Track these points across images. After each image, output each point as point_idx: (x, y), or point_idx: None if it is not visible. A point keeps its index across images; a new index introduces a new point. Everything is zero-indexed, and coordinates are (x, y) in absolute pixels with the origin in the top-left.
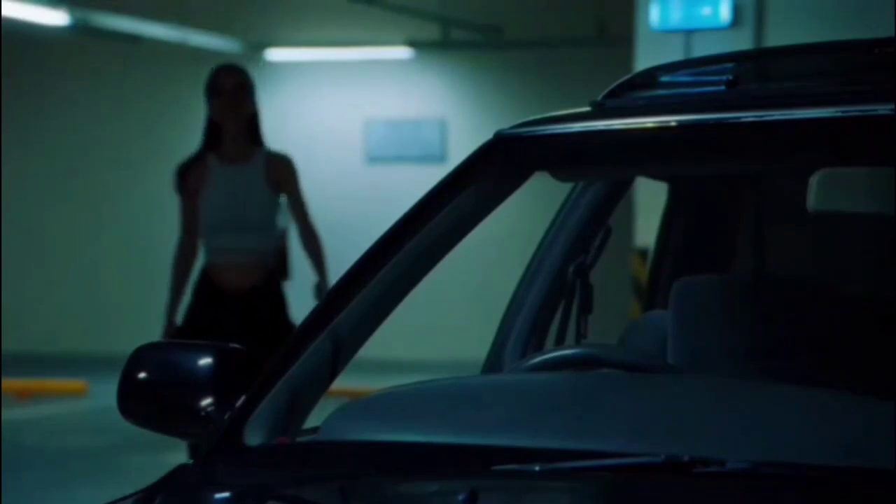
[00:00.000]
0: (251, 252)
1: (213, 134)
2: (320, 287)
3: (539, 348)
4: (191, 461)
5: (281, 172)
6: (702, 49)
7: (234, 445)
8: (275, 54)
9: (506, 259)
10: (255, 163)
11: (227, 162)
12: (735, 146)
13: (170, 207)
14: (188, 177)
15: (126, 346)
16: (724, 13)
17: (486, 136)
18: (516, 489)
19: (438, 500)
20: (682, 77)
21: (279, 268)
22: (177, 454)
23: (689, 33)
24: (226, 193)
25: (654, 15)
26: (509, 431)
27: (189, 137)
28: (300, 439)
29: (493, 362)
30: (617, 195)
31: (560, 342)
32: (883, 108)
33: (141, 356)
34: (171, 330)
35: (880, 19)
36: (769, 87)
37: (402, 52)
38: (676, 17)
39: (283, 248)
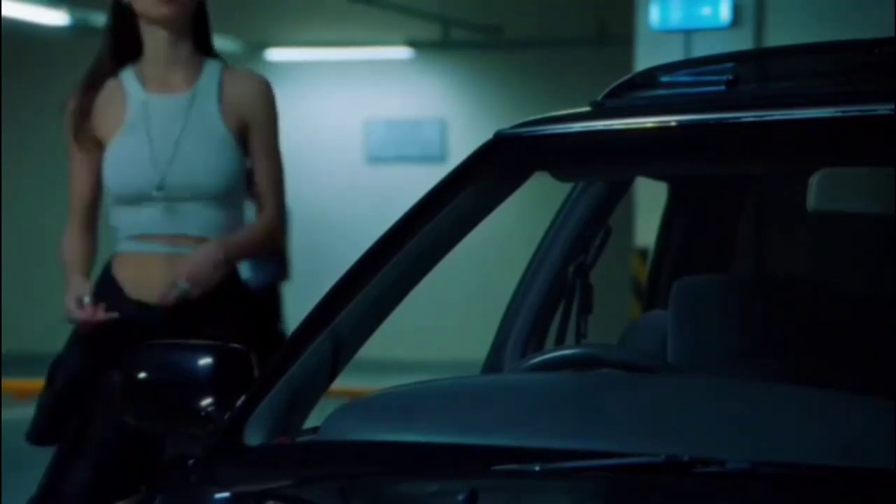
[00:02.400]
0: (196, 241)
1: (126, 37)
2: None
3: (539, 348)
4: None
5: (247, 104)
6: (702, 49)
7: (234, 445)
8: (275, 54)
9: (506, 259)
10: (205, 88)
11: (157, 88)
12: (735, 146)
13: None
14: (91, 109)
15: None
16: (724, 13)
17: (486, 136)
18: (516, 489)
19: (438, 500)
20: (682, 77)
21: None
22: None
23: (689, 33)
24: (152, 140)
25: (654, 15)
26: (509, 431)
27: None
28: (300, 439)
29: (493, 362)
30: (617, 195)
31: (560, 342)
32: (883, 108)
33: (141, 356)
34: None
35: (880, 19)
36: (769, 87)
37: (402, 52)
38: (676, 17)
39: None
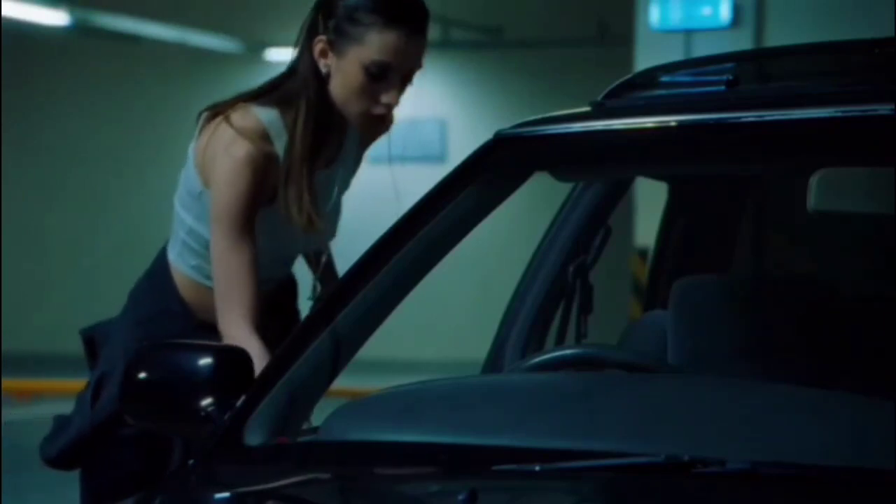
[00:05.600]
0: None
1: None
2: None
3: (539, 348)
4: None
5: None
6: (702, 49)
7: (234, 445)
8: (275, 54)
9: (506, 259)
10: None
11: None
12: (735, 146)
13: (169, 206)
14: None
15: None
16: (724, 13)
17: (486, 136)
18: (516, 489)
19: (438, 500)
20: (682, 77)
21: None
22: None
23: (689, 33)
24: None
25: (654, 15)
26: (509, 431)
27: (188, 137)
28: (300, 439)
29: (493, 362)
30: (617, 195)
31: (560, 342)
32: (883, 108)
33: (141, 356)
34: None
35: (881, 19)
36: (769, 87)
37: None
38: (676, 17)
39: None
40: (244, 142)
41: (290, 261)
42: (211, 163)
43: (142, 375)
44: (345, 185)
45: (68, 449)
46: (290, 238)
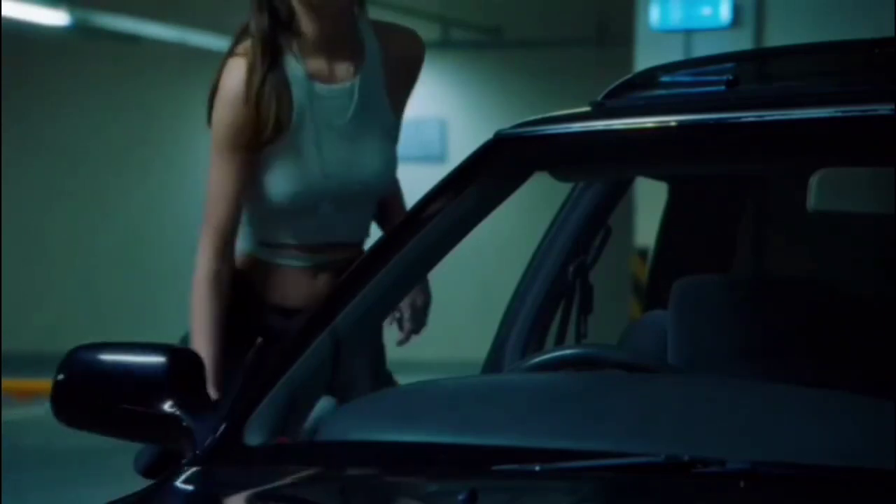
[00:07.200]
0: (338, 248)
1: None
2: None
3: (539, 348)
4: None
5: (406, 78)
6: (702, 49)
7: (234, 445)
8: None
9: (506, 259)
10: (371, 69)
11: (322, 76)
12: (735, 146)
13: (169, 207)
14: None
15: None
16: (724, 13)
17: (486, 136)
18: (516, 489)
19: (438, 500)
20: (682, 77)
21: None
22: None
23: (689, 33)
24: (319, 139)
25: (654, 15)
26: (509, 431)
27: (188, 137)
28: (300, 439)
29: (493, 362)
30: (617, 195)
31: (560, 342)
32: (883, 108)
33: (77, 358)
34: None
35: (881, 19)
36: (769, 87)
37: None
38: (676, 17)
39: None
40: (235, 59)
41: (342, 203)
42: None
43: (79, 378)
44: (384, 118)
45: (161, 456)
46: (309, 163)
